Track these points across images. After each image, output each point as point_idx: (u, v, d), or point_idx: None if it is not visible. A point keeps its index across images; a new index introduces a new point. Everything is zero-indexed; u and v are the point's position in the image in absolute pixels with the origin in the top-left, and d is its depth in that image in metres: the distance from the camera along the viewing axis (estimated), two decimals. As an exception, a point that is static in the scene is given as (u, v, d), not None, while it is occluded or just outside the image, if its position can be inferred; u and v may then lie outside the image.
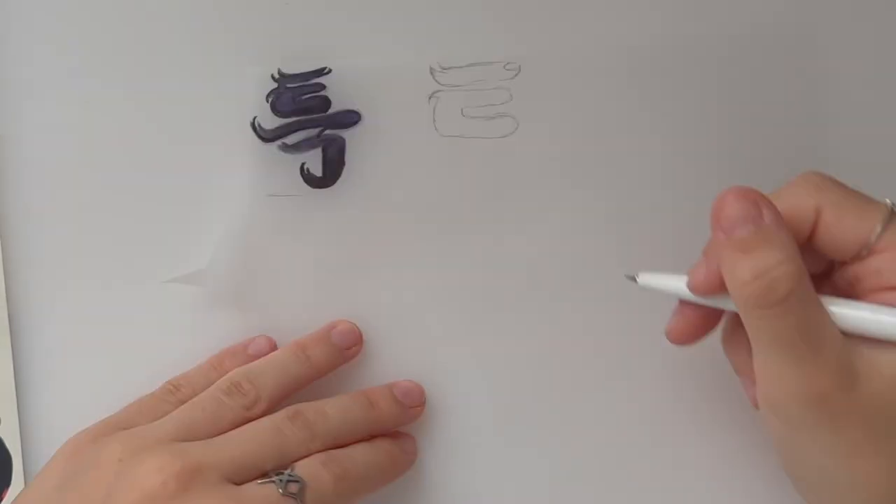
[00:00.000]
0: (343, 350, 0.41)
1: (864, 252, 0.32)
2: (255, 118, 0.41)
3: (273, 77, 0.41)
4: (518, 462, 0.42)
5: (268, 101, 0.41)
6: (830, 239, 0.33)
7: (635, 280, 0.36)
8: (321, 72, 0.41)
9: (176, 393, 0.39)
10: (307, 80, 0.41)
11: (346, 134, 0.42)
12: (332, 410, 0.38)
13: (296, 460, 0.36)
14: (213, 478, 0.34)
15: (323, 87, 0.41)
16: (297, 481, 0.35)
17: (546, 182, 0.42)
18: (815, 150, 0.42)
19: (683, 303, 0.35)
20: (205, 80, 0.41)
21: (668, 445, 0.42)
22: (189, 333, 0.41)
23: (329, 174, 0.41)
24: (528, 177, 0.42)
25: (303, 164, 0.41)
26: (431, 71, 0.42)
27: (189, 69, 0.41)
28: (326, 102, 0.41)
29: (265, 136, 0.41)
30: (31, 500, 0.36)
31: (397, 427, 0.41)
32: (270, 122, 0.41)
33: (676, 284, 0.35)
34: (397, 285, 0.42)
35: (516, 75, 0.41)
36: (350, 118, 0.42)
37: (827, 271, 0.35)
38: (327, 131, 0.41)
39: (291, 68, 0.41)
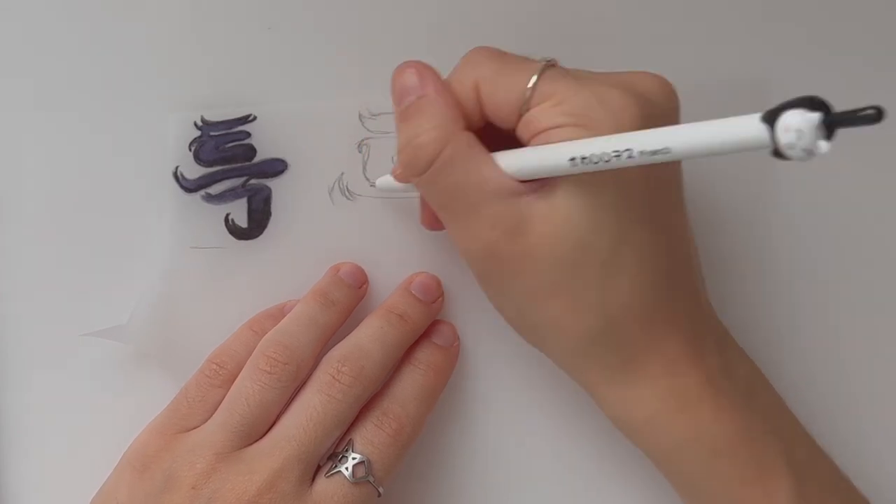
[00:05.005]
0: (356, 289, 0.39)
1: (524, 111, 0.32)
2: (177, 167, 0.39)
3: (196, 125, 0.39)
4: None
5: (190, 150, 0.39)
6: (493, 109, 0.33)
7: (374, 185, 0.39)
8: (246, 119, 0.40)
9: (221, 373, 0.37)
10: (231, 128, 0.40)
11: (272, 183, 0.40)
12: (371, 344, 0.37)
13: (353, 422, 0.36)
14: (287, 486, 0.34)
15: (248, 134, 0.40)
16: (361, 461, 0.35)
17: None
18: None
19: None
20: (125, 128, 0.40)
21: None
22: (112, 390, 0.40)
23: (254, 225, 0.40)
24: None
25: (227, 215, 0.40)
26: (360, 117, 0.39)
27: (108, 116, 0.40)
28: (251, 151, 0.40)
29: (188, 186, 0.40)
30: None
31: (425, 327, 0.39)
32: (193, 171, 0.39)
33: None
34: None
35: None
36: (276, 167, 0.40)
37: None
38: (252, 181, 0.40)
39: (215, 115, 0.39)
